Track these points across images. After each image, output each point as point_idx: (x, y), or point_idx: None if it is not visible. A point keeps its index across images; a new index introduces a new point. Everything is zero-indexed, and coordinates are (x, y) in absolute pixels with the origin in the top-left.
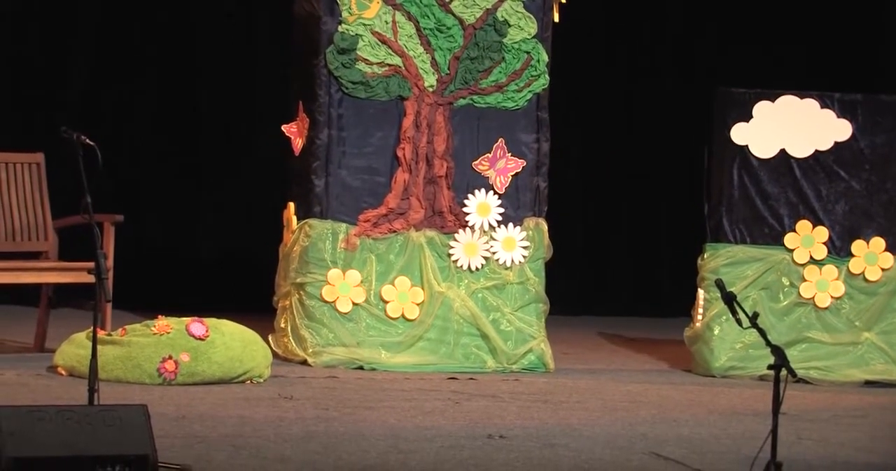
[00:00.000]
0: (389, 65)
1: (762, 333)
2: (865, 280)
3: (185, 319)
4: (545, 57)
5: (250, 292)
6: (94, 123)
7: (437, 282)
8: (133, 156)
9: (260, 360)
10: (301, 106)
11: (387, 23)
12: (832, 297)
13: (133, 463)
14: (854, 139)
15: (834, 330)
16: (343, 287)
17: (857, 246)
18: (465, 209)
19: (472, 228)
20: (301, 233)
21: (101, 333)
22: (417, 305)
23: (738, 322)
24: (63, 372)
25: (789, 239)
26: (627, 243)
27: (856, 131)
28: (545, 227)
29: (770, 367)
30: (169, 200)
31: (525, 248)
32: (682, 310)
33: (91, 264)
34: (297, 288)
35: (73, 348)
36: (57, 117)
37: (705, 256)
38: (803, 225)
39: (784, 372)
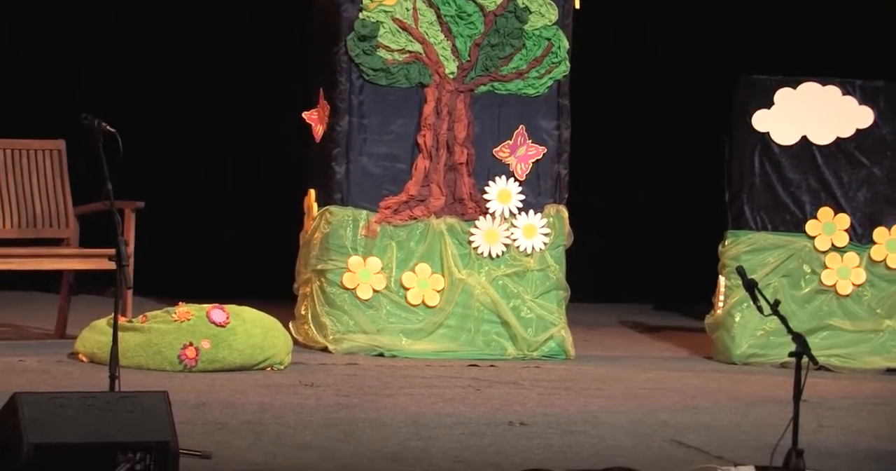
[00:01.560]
0: (410, 52)
1: (783, 320)
2: (887, 267)
3: (206, 306)
4: (566, 44)
5: (271, 279)
6: (115, 110)
7: (457, 269)
8: (154, 143)
9: (280, 347)
10: (322, 93)
11: (407, 9)
12: (854, 284)
13: (154, 450)
14: (876, 126)
15: (855, 317)
16: (364, 274)
17: (879, 233)
18: (485, 196)
19: (492, 215)
20: (322, 220)
21: (121, 320)
22: (438, 292)
23: (760, 309)
24: (84, 359)
25: (811, 226)
26: (648, 231)
27: (878, 118)
28: (566, 214)
29: (791, 354)
30: (190, 186)
31: (546, 235)
32: (703, 297)
33: (112, 251)
34: (317, 275)
35: (94, 335)
36: (78, 104)
37: (726, 243)
38: (825, 212)
39: (805, 359)
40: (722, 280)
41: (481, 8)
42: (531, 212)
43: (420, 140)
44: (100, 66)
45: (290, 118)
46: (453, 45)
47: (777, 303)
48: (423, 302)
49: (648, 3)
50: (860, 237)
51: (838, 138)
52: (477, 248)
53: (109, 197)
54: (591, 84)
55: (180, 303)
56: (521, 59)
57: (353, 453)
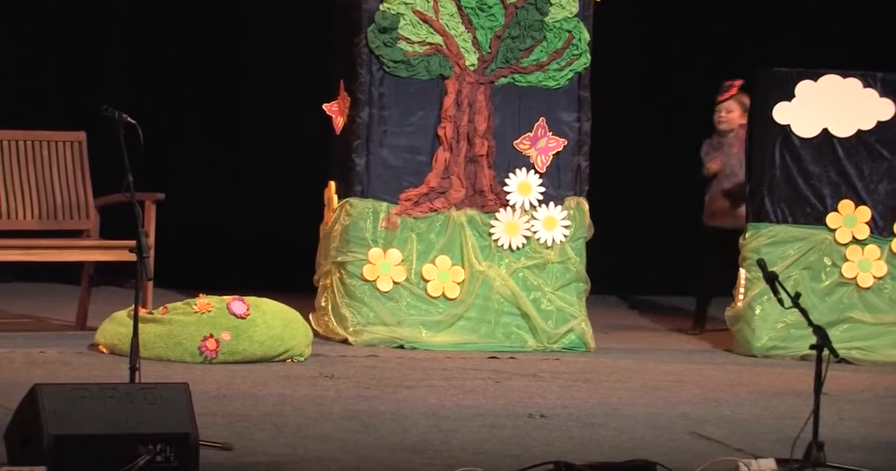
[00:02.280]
0: (430, 44)
1: (804, 313)
2: None
3: (227, 298)
4: (587, 36)
5: (291, 271)
6: (135, 102)
7: (477, 261)
8: (174, 134)
9: (301, 339)
10: (342, 85)
11: (428, 1)
12: (874, 277)
13: (174, 441)
14: None
15: (876, 310)
16: (384, 266)
17: None
18: (505, 188)
19: (512, 207)
20: (342, 212)
21: (142, 312)
22: (458, 284)
23: (780, 302)
24: (104, 350)
25: (831, 219)
26: (669, 223)
27: None
28: (586, 206)
29: (812, 347)
30: (210, 178)
31: (566, 227)
32: (723, 289)
33: (132, 243)
34: (337, 267)
35: (115, 327)
36: (98, 96)
37: (747, 235)
38: (845, 205)
39: (826, 352)
40: (742, 273)
41: (502, 0)
42: (551, 204)
43: (440, 132)
44: (120, 57)
45: (311, 110)
46: (474, 36)
47: (798, 295)
48: (444, 294)
49: None
50: (881, 230)
51: (859, 131)
52: (497, 240)
53: (130, 189)
54: (612, 76)
55: (201, 294)
56: (541, 51)
57: (373, 445)
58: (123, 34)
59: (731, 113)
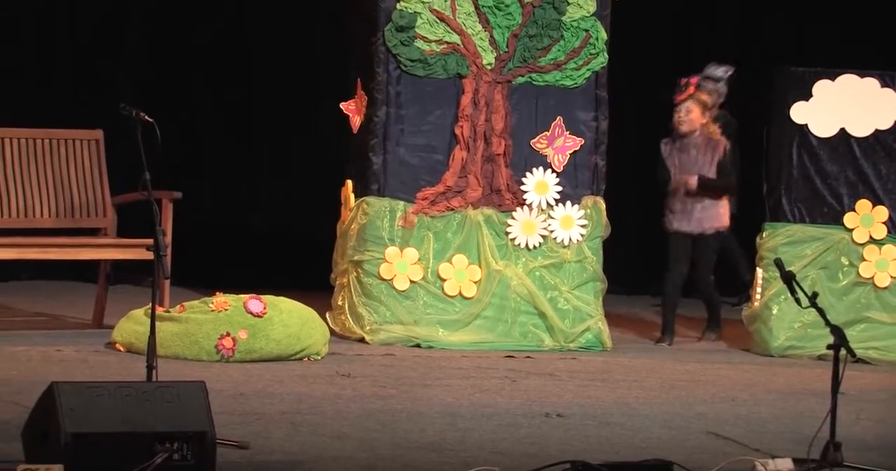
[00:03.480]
0: (448, 42)
1: (821, 312)
2: None
3: (243, 296)
4: (604, 35)
5: (308, 270)
6: (153, 100)
7: (494, 260)
8: (192, 132)
9: (317, 337)
10: (359, 83)
11: (445, 0)
12: (892, 276)
13: (191, 440)
14: None
15: (893, 310)
16: (401, 265)
17: None
18: (522, 187)
19: (529, 206)
20: (359, 210)
21: (159, 310)
22: (475, 283)
23: (797, 301)
24: (121, 348)
25: (849, 218)
26: None
27: None
28: (603, 205)
29: (829, 347)
30: (228, 177)
31: (583, 226)
32: (740, 289)
33: (149, 241)
34: (354, 266)
35: (132, 325)
36: (116, 94)
37: (764, 235)
38: (863, 204)
39: (843, 352)
40: (760, 272)
41: None
42: (568, 203)
43: (457, 131)
44: (138, 56)
45: (328, 109)
46: (491, 35)
47: (815, 295)
48: (460, 293)
49: None
50: None
51: (877, 130)
52: (514, 239)
53: (147, 187)
54: (629, 75)
55: (217, 293)
56: (558, 50)
57: (390, 444)
58: (141, 32)
59: (691, 113)
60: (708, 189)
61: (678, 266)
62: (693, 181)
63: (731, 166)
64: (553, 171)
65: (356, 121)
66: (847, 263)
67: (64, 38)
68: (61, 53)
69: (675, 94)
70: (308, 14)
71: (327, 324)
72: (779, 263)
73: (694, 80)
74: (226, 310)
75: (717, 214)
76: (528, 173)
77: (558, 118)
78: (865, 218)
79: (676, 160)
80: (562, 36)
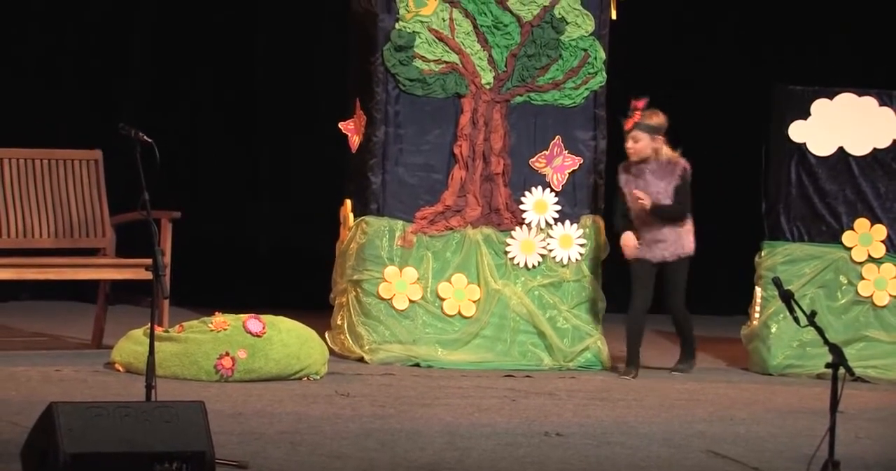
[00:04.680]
0: (446, 62)
1: (820, 331)
2: None
3: (242, 316)
4: (602, 54)
5: (307, 289)
6: (152, 120)
7: (493, 279)
8: (191, 153)
9: (317, 357)
10: (358, 103)
11: (444, 20)
12: (890, 295)
13: (190, 460)
14: None
15: (892, 329)
16: (400, 284)
17: None
18: (521, 207)
19: (528, 225)
20: (358, 230)
21: (158, 330)
22: (474, 302)
23: (796, 320)
24: (120, 368)
25: (847, 237)
26: None
27: None
28: (602, 224)
29: (828, 365)
30: (227, 197)
31: (582, 245)
32: (739, 308)
33: (148, 261)
34: (353, 285)
35: (131, 345)
36: (115, 114)
37: (763, 253)
38: (861, 223)
39: (842, 371)
40: (758, 291)
41: (518, 18)
42: (567, 222)
43: (456, 150)
44: (137, 76)
45: (327, 128)
46: (490, 55)
47: (813, 314)
48: (459, 312)
49: (685, 14)
50: None
51: (875, 149)
52: (513, 258)
53: (146, 206)
54: (628, 95)
55: (217, 313)
56: (557, 69)
57: (389, 464)
58: (140, 51)
59: (639, 142)
60: (657, 215)
61: (641, 294)
62: (647, 201)
63: (687, 192)
64: (552, 190)
65: (355, 140)
66: (846, 281)
67: (63, 59)
68: (60, 73)
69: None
70: (308, 34)
71: (326, 343)
72: (777, 282)
73: (641, 103)
74: (225, 330)
75: (681, 240)
76: (526, 192)
77: (557, 137)
78: (864, 237)
79: (633, 187)
80: (560, 55)
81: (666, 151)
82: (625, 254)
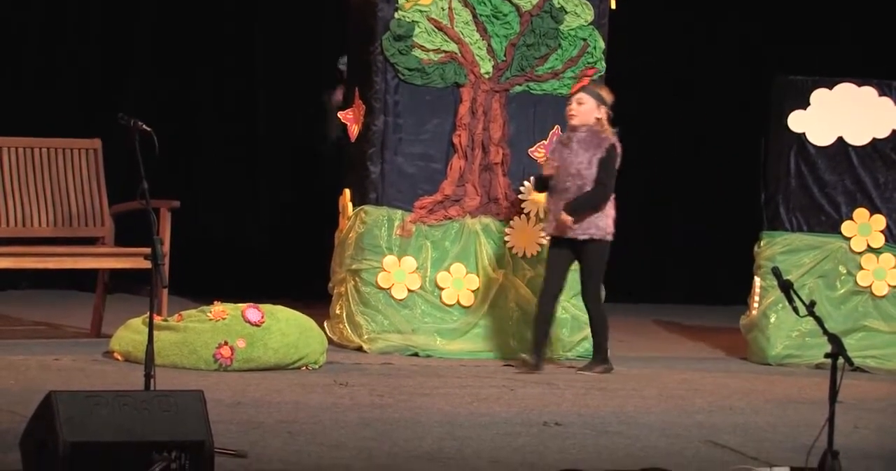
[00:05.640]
0: (446, 51)
1: (819, 321)
2: None
3: (241, 305)
4: (602, 44)
5: (306, 278)
6: (151, 109)
7: (492, 269)
8: (190, 141)
9: (315, 346)
10: (357, 93)
11: (443, 9)
12: (889, 285)
13: (189, 449)
14: None
15: (891, 319)
16: (398, 274)
17: None
18: (520, 196)
19: (527, 215)
20: (357, 219)
21: (157, 319)
22: (473, 292)
23: (795, 310)
24: (119, 357)
25: (846, 227)
26: (684, 231)
27: None
28: None
29: (827, 355)
30: (225, 185)
31: None
32: (738, 298)
33: (147, 250)
34: (352, 274)
35: (130, 334)
36: (114, 103)
37: (762, 244)
38: (860, 213)
39: (841, 361)
40: (757, 281)
41: (517, 8)
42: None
43: (455, 140)
44: (138, 65)
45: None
46: (489, 44)
47: (813, 304)
48: (458, 302)
49: (684, 3)
50: None
51: (874, 139)
52: (512, 248)
53: (145, 196)
54: (627, 84)
55: (216, 302)
56: (556, 59)
57: (388, 453)
58: (141, 41)
59: (583, 104)
60: (576, 209)
61: (551, 278)
62: (566, 219)
63: (610, 169)
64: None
65: (354, 130)
66: (845, 271)
67: (64, 48)
68: (60, 63)
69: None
70: (307, 24)
71: (325, 333)
72: (776, 272)
73: (592, 71)
74: (224, 319)
75: (596, 221)
76: (525, 182)
77: (556, 127)
78: (863, 227)
79: (558, 155)
80: (559, 45)
81: (607, 125)
82: (545, 171)
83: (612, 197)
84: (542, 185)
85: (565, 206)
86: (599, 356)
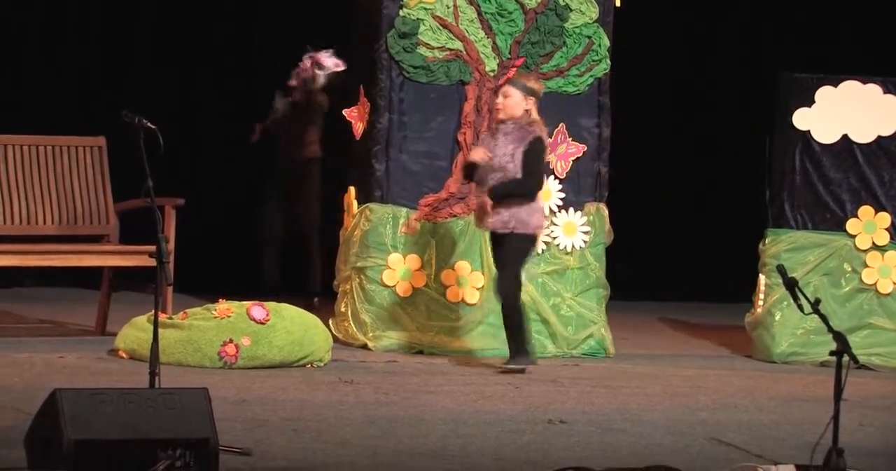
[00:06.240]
0: (450, 49)
1: (824, 319)
2: None
3: (246, 303)
4: (606, 41)
5: (311, 276)
6: (155, 107)
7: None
8: (195, 139)
9: (320, 344)
10: (362, 90)
11: (448, 7)
12: (894, 283)
13: (194, 446)
14: None
15: None
16: (403, 271)
17: None
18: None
19: None
20: (361, 217)
21: (162, 317)
22: (478, 289)
23: (800, 308)
24: (124, 355)
25: (851, 225)
26: (688, 229)
27: None
28: (606, 212)
29: (832, 353)
30: (230, 183)
31: (586, 233)
32: (743, 296)
33: (152, 248)
34: (357, 272)
35: (135, 332)
36: (119, 101)
37: (767, 241)
38: (865, 211)
39: (846, 358)
40: (762, 279)
41: (522, 6)
42: (571, 210)
43: (460, 138)
44: (141, 63)
45: (331, 115)
46: (494, 42)
47: (818, 301)
48: (463, 299)
49: (690, 1)
50: None
51: (879, 137)
52: None
53: (150, 194)
54: (632, 82)
55: (220, 300)
56: (561, 56)
57: (393, 451)
58: (144, 39)
59: (509, 98)
60: (498, 193)
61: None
62: (486, 202)
63: (535, 161)
64: (556, 177)
65: (359, 127)
66: (850, 269)
67: (67, 45)
68: (64, 60)
69: None
70: (311, 20)
71: (330, 331)
72: (781, 270)
73: (519, 61)
74: (229, 317)
75: (519, 214)
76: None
77: (561, 125)
78: (868, 224)
79: (487, 148)
80: (564, 42)
81: (535, 117)
82: (472, 156)
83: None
84: (470, 173)
85: (488, 189)
86: (517, 349)
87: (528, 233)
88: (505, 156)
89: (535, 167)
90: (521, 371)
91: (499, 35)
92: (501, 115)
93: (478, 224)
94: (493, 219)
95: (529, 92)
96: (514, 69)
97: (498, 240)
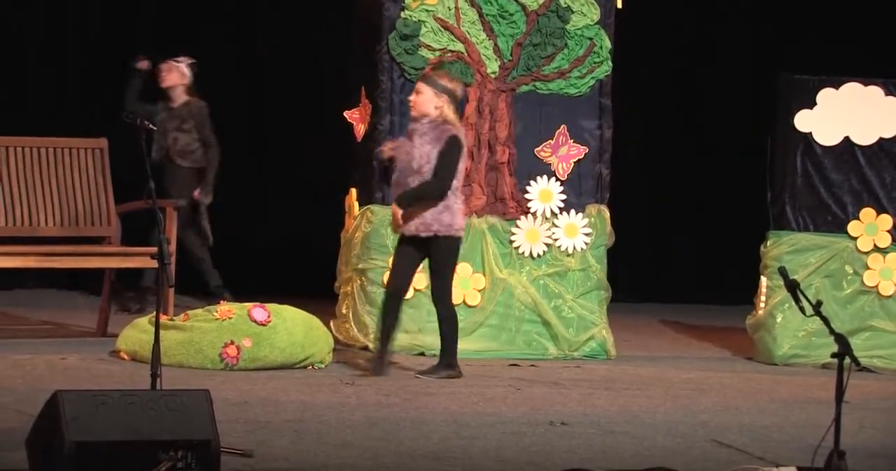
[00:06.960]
0: (452, 51)
1: (825, 321)
2: None
3: (248, 305)
4: (608, 43)
5: (312, 278)
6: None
7: (498, 268)
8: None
9: (321, 346)
10: (363, 92)
11: (449, 9)
12: None
13: (195, 448)
14: None
15: None
16: None
17: None
18: (526, 196)
19: (533, 214)
20: (363, 219)
21: (163, 318)
22: (479, 291)
23: (802, 310)
24: (126, 357)
25: (853, 227)
26: (690, 231)
27: None
28: (607, 213)
29: (833, 355)
30: (231, 185)
31: (587, 234)
32: (744, 298)
33: (154, 250)
34: (358, 274)
35: (136, 333)
36: (120, 103)
37: (768, 243)
38: (867, 213)
39: (847, 361)
40: (764, 281)
41: (523, 7)
42: (572, 211)
43: None
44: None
45: (333, 117)
46: (495, 44)
47: (819, 304)
48: (464, 301)
49: (691, 3)
50: None
51: (881, 139)
52: (518, 247)
53: (152, 195)
54: (633, 84)
55: (222, 301)
56: (563, 58)
57: (394, 452)
58: (145, 41)
59: (420, 95)
60: (407, 199)
61: (394, 278)
62: (396, 210)
63: (447, 161)
64: (557, 179)
65: (360, 129)
66: (851, 271)
67: (68, 47)
68: (66, 62)
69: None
70: (313, 23)
71: (331, 332)
72: (783, 272)
73: (435, 60)
74: (230, 318)
75: (439, 216)
76: (532, 182)
77: (562, 127)
78: (870, 226)
79: (405, 148)
80: (566, 44)
81: (450, 116)
82: (383, 150)
83: (458, 189)
84: (387, 175)
85: (396, 196)
86: (445, 360)
87: (452, 235)
88: (422, 157)
89: (446, 168)
90: (434, 378)
91: (500, 37)
92: (413, 113)
93: (394, 229)
94: (415, 222)
95: (442, 90)
96: (429, 69)
97: (418, 243)
